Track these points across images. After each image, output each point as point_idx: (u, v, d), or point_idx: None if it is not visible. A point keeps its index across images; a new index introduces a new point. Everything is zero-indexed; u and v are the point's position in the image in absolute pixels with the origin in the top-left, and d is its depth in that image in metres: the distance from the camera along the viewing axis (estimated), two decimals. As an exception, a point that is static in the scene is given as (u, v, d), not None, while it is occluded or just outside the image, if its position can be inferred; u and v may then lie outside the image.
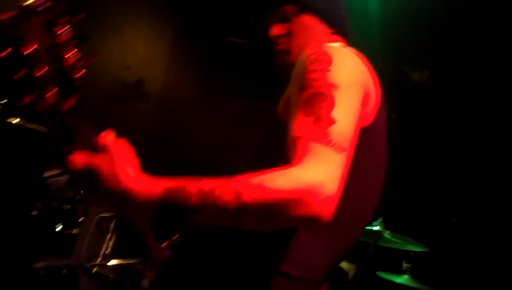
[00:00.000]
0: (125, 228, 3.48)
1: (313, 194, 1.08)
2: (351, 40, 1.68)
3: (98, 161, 1.11)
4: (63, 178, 3.83)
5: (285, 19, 1.63)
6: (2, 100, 3.51)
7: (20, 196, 3.58)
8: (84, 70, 1.13)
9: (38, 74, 1.07)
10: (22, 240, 3.57)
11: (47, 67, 1.09)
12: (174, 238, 2.14)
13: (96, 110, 4.41)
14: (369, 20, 4.20)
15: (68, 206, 3.75)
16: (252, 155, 1.55)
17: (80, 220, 3.73)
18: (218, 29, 4.99)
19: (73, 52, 1.11)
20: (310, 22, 1.63)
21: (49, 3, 1.08)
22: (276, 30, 1.63)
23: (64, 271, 3.48)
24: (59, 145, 1.15)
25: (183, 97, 4.92)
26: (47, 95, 1.09)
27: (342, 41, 1.62)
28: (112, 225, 3.64)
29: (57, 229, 3.67)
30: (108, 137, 1.15)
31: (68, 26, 1.11)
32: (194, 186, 1.10)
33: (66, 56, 1.10)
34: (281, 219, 1.10)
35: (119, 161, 1.11)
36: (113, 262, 3.51)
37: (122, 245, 3.59)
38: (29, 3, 1.07)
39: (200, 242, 1.52)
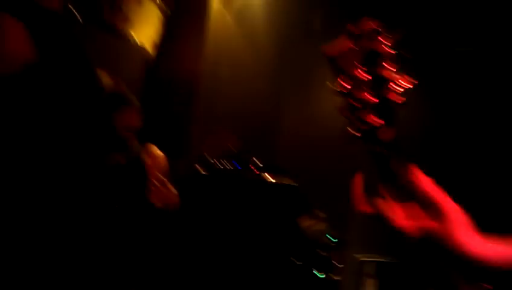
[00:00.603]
0: (386, 272, 3.36)
1: None
2: None
3: (434, 225, 1.00)
4: (317, 227, 3.93)
5: None
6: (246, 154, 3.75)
7: (278, 246, 3.75)
8: (404, 98, 1.04)
9: (363, 99, 1.04)
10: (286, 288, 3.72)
11: (369, 91, 1.04)
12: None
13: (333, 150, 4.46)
14: None
15: (325, 253, 3.82)
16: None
17: (339, 265, 3.77)
18: (443, 40, 4.71)
19: (393, 75, 1.05)
20: None
21: (371, 26, 1.05)
22: None
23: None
24: (380, 179, 1.08)
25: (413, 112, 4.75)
26: (369, 122, 1.04)
27: None
28: (371, 269, 3.59)
29: (320, 276, 3.75)
30: (446, 198, 1.02)
31: (389, 46, 1.05)
32: None
33: (387, 79, 1.04)
34: None
35: (459, 223, 1.00)
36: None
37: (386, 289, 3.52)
38: (357, 27, 1.05)
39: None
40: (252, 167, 3.73)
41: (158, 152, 2.86)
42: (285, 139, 4.79)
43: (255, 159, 3.84)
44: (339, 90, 1.06)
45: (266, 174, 3.76)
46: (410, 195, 1.04)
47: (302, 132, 4.71)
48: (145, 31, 3.47)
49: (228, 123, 4.16)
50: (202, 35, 4.09)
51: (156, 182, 2.67)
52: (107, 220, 2.50)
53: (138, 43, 3.46)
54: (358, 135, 1.06)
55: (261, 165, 3.81)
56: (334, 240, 3.82)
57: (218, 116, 4.18)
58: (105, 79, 2.53)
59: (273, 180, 3.78)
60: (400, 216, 1.03)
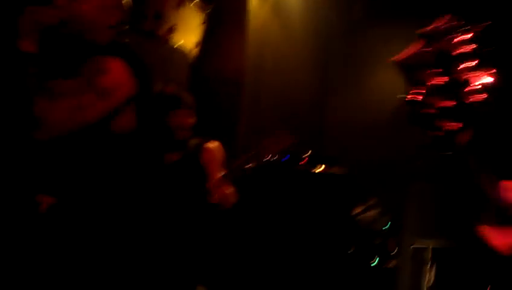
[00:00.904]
0: (444, 258, 3.31)
1: None
2: None
3: None
4: (370, 213, 3.92)
5: None
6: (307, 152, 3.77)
7: (331, 235, 3.78)
8: (485, 95, 0.97)
9: (439, 105, 0.99)
10: (343, 277, 3.75)
11: (446, 96, 0.99)
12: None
13: (385, 140, 4.41)
14: None
15: (380, 240, 3.82)
16: None
17: (394, 252, 3.76)
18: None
19: (472, 73, 0.97)
20: None
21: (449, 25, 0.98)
22: None
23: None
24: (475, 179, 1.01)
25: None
26: (446, 127, 0.99)
27: None
28: (428, 255, 3.56)
29: (374, 264, 3.76)
30: None
31: (467, 43, 0.97)
32: None
33: (466, 81, 0.97)
34: None
35: None
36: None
37: (445, 276, 3.49)
38: (427, 30, 0.99)
39: None
40: (301, 158, 3.74)
41: (215, 146, 2.88)
42: (333, 128, 4.76)
43: (303, 149, 3.84)
44: (412, 99, 1.01)
45: (315, 164, 3.77)
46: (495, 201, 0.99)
47: (350, 119, 4.66)
48: (187, 33, 3.53)
49: (275, 114, 4.19)
50: (243, 30, 4.11)
51: (213, 179, 2.69)
52: (168, 216, 2.60)
53: (181, 45, 3.52)
54: (433, 141, 1.01)
55: (310, 155, 3.82)
56: (388, 227, 3.81)
57: (265, 108, 4.21)
58: (157, 84, 2.60)
59: (323, 170, 3.79)
60: (493, 233, 0.98)
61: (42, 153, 1.69)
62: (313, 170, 3.73)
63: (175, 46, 3.50)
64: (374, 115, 4.46)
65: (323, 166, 3.76)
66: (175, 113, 2.75)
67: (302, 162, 3.76)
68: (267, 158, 2.76)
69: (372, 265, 3.78)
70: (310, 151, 3.79)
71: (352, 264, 3.81)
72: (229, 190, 2.70)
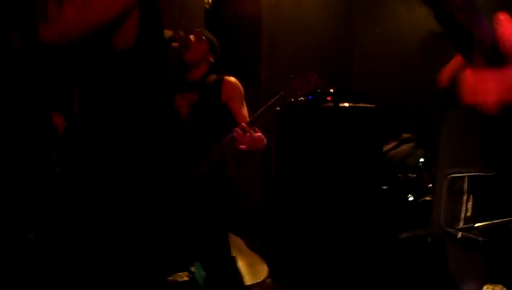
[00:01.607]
0: (481, 187, 3.20)
1: None
2: None
3: None
4: (403, 148, 3.82)
5: None
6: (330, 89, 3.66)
7: (369, 174, 3.71)
8: None
9: None
10: (377, 214, 3.70)
11: None
12: None
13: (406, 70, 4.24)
14: None
15: (414, 175, 3.72)
16: None
17: (430, 185, 3.66)
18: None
19: None
20: None
21: None
22: None
23: (429, 239, 3.45)
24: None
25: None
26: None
27: None
28: (465, 185, 3.45)
29: (410, 199, 3.68)
30: None
31: None
32: None
33: None
34: None
35: None
36: (479, 224, 3.32)
37: (483, 205, 3.38)
38: None
39: None
40: (327, 95, 3.63)
41: (234, 80, 2.79)
42: (362, 62, 4.62)
43: (329, 87, 3.73)
44: None
45: (342, 100, 3.66)
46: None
47: (379, 51, 4.50)
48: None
49: (297, 54, 4.07)
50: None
51: (238, 116, 2.63)
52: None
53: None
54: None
55: (336, 92, 3.71)
56: (422, 160, 3.70)
57: (286, 49, 4.09)
58: (167, 32, 2.54)
59: (350, 106, 3.68)
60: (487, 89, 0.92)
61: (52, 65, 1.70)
62: (339, 107, 3.63)
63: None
64: (404, 45, 4.30)
65: (350, 102, 3.65)
66: (189, 51, 2.69)
67: (329, 99, 3.66)
68: (293, 100, 2.65)
69: (408, 200, 3.71)
70: (334, 88, 3.68)
71: (388, 201, 3.75)
72: (257, 135, 2.60)
